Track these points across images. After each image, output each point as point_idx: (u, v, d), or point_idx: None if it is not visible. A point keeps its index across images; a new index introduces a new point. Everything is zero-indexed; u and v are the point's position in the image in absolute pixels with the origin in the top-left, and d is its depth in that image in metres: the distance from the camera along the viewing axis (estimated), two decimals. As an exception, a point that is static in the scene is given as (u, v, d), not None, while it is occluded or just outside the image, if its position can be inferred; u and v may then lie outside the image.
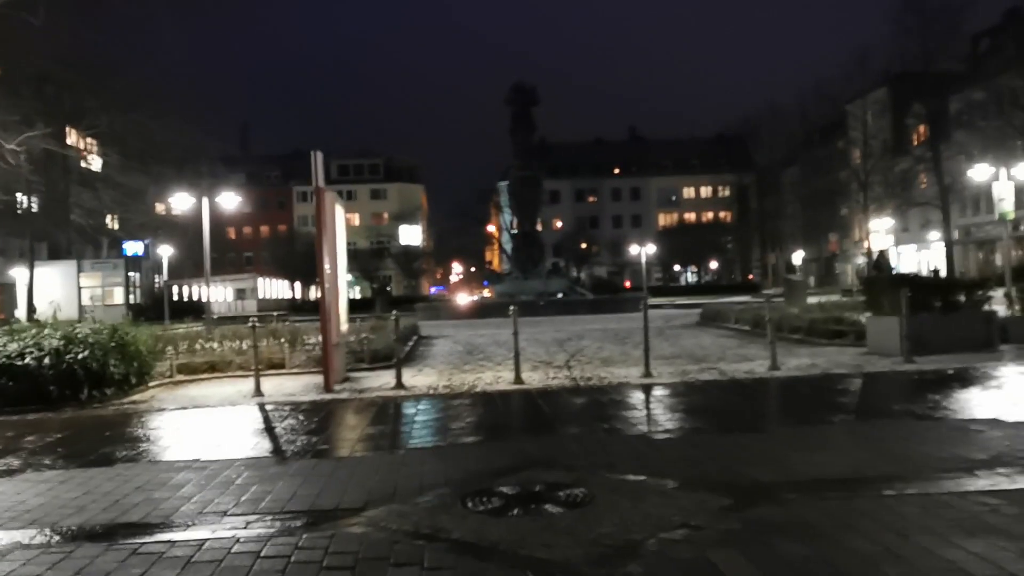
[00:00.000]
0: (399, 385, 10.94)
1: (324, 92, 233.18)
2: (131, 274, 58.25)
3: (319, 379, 11.41)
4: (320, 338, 11.51)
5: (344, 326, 12.45)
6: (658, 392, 9.90)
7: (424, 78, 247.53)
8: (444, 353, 16.25)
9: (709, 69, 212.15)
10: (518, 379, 10.98)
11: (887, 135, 68.60)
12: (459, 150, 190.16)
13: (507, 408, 9.21)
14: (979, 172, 22.51)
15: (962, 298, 12.62)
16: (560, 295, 37.88)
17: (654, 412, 8.63)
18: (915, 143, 64.95)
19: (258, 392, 10.76)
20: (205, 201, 22.32)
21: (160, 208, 61.61)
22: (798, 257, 77.55)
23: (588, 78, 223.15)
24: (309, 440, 7.56)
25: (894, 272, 12.67)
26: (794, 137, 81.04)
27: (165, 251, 41.17)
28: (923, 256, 66.59)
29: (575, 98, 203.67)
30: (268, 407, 9.88)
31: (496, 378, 11.57)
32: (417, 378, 12.02)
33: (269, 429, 8.34)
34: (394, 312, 11.87)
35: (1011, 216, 21.24)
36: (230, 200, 24.08)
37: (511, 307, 11.39)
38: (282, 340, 14.90)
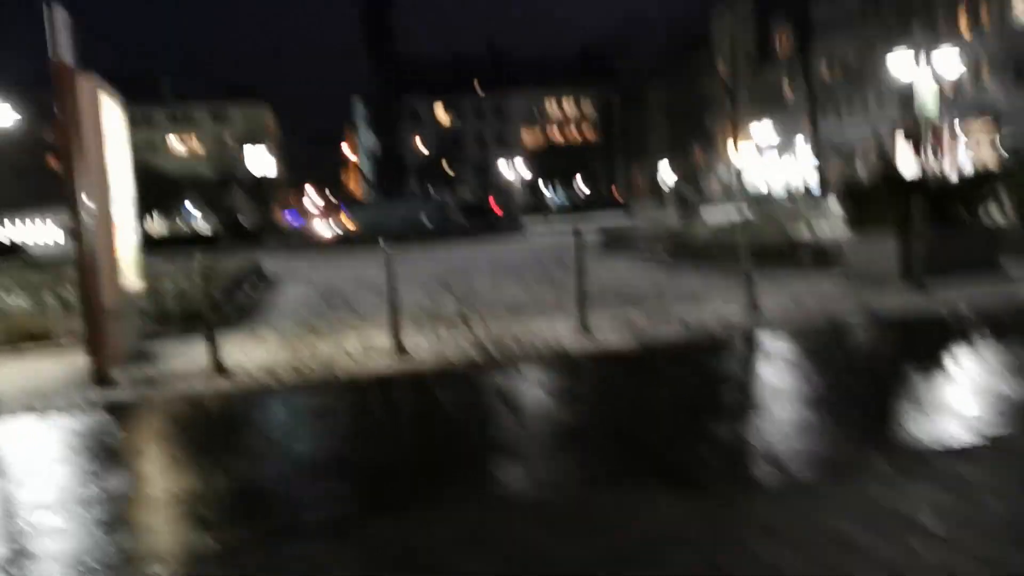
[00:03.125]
0: (217, 368, 7.13)
1: (153, 8, 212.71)
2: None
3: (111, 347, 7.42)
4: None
5: (133, 279, 8.40)
6: (621, 365, 6.62)
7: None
8: (295, 303, 12.39)
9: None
10: (399, 347, 7.41)
11: (751, 45, 67.56)
12: (308, 65, 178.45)
13: (393, 418, 5.65)
14: (898, 61, 20.09)
15: (959, 209, 9.94)
16: (427, 221, 34.08)
17: (649, 410, 5.29)
18: (779, 51, 64.16)
19: (-19, 394, 6.70)
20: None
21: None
22: (666, 170, 76.65)
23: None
24: (10, 538, 3.78)
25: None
26: (659, 49, 79.14)
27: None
28: (789, 166, 66.65)
29: (430, 13, 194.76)
30: (-17, 428, 5.93)
31: (366, 346, 7.94)
32: (250, 350, 8.23)
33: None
34: (197, 256, 7.90)
35: (934, 115, 19.09)
36: (4, 114, 18.74)
37: (380, 239, 7.71)
38: (58, 293, 10.57)
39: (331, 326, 9.48)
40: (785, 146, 61.52)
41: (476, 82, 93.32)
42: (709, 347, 6.97)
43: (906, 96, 39.32)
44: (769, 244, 12.67)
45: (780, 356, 6.61)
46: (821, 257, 11.48)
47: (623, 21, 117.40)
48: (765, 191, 64.32)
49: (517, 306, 10.18)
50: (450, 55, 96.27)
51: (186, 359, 7.91)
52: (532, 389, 6.00)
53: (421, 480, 4.17)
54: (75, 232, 6.83)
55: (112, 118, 7.99)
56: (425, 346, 7.75)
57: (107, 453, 5.09)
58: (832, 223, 14.95)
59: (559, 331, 8.04)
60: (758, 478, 3.79)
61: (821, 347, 6.76)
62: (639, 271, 13.53)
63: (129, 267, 8.15)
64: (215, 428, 5.55)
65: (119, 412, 6.13)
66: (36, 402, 6.47)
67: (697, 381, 5.87)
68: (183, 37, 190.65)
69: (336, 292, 13.30)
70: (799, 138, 60.56)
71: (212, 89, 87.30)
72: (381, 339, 8.15)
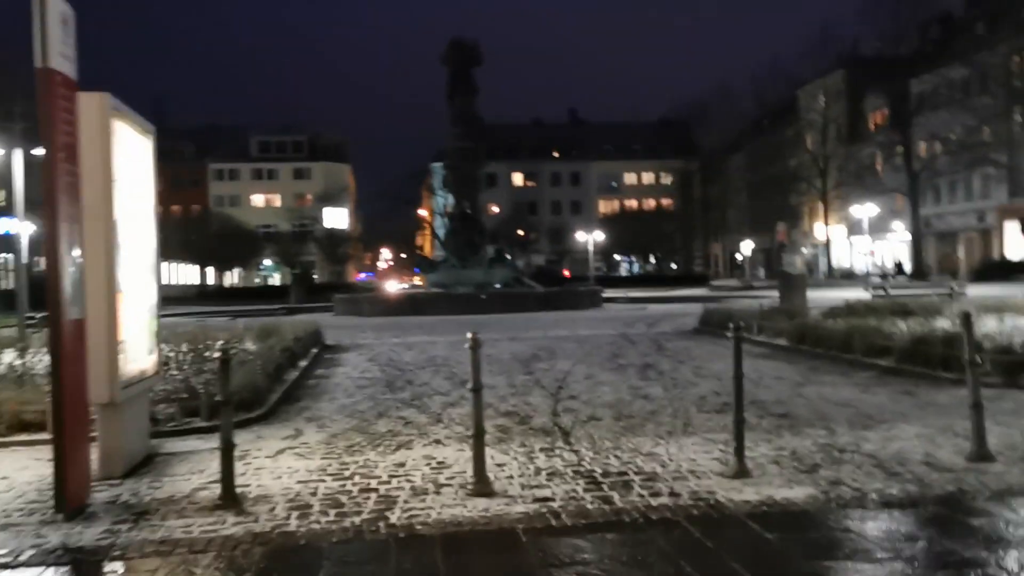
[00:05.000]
0: (227, 498, 5.14)
1: (245, 62, 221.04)
2: (1, 256, 50.41)
3: (101, 455, 5.56)
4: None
5: (148, 358, 6.55)
6: (813, 535, 4.36)
7: (352, 51, 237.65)
8: (350, 386, 10.42)
9: (656, 51, 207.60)
10: (481, 482, 5.32)
11: (843, 120, 64.89)
12: (390, 127, 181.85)
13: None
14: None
15: None
16: (500, 286, 32.19)
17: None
18: (872, 128, 61.33)
19: (-96, 521, 4.84)
20: (18, 154, 15.98)
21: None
22: (747, 247, 73.81)
23: (525, 57, 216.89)
24: None
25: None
26: (743, 121, 77.08)
27: (25, 227, 33.71)
28: (878, 248, 63.04)
29: (511, 78, 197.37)
30: None
31: (434, 470, 5.87)
32: (281, 462, 6.23)
33: None
34: (220, 344, 5.97)
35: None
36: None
37: (470, 342, 5.66)
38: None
39: (392, 429, 7.46)
40: (878, 226, 58.19)
41: (555, 149, 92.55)
42: (940, 512, 4.67)
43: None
44: (918, 343, 10.27)
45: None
46: (1009, 367, 9.06)
47: (706, 92, 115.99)
48: (858, 271, 60.91)
49: (625, 411, 8.01)
50: (530, 120, 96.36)
51: (198, 472, 5.97)
52: (681, 573, 3.83)
53: None
54: (52, 300, 4.99)
55: (133, 151, 6.27)
56: (515, 476, 5.65)
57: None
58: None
59: (699, 464, 5.84)
60: None
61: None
62: (763, 367, 11.18)
63: (140, 345, 6.31)
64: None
65: (71, 570, 4.17)
66: (-32, 540, 4.57)
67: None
68: (272, 96, 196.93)
69: (402, 374, 11.35)
70: (892, 217, 57.18)
71: (296, 147, 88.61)
72: (455, 459, 6.10)
